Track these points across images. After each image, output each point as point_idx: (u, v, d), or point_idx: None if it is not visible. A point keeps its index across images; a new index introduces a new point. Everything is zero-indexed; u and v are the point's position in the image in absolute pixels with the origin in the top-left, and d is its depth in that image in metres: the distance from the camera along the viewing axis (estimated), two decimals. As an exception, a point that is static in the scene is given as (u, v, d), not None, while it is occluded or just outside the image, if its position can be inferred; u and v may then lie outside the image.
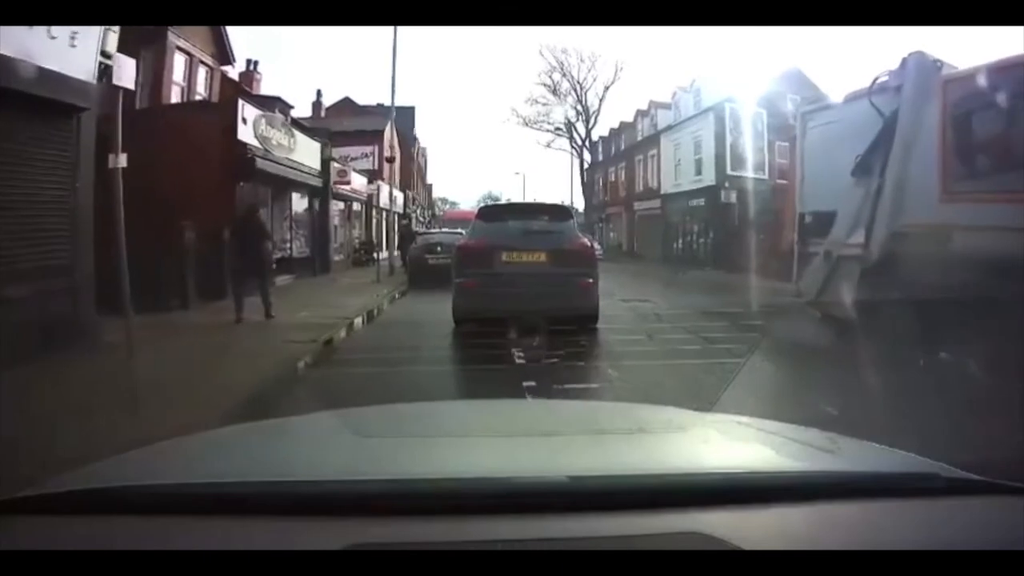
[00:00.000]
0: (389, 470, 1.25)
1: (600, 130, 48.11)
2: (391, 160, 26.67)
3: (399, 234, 25.26)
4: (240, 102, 14.32)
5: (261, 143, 14.84)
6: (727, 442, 1.59)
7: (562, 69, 44.91)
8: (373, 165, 29.49)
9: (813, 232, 8.38)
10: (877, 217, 7.04)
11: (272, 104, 18.36)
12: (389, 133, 28.70)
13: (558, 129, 47.26)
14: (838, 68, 69.08)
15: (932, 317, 6.13)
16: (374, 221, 29.03)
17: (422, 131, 65.67)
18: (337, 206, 22.90)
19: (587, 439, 1.59)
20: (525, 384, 5.70)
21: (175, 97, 15.57)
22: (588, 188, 49.09)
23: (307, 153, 18.69)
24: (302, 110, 29.13)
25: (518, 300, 8.01)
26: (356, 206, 26.00)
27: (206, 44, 16.90)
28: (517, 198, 46.81)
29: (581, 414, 2.07)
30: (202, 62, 16.85)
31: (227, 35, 17.83)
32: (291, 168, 16.94)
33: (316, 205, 20.26)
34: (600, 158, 48.74)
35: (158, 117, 13.66)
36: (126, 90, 5.11)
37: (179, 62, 15.86)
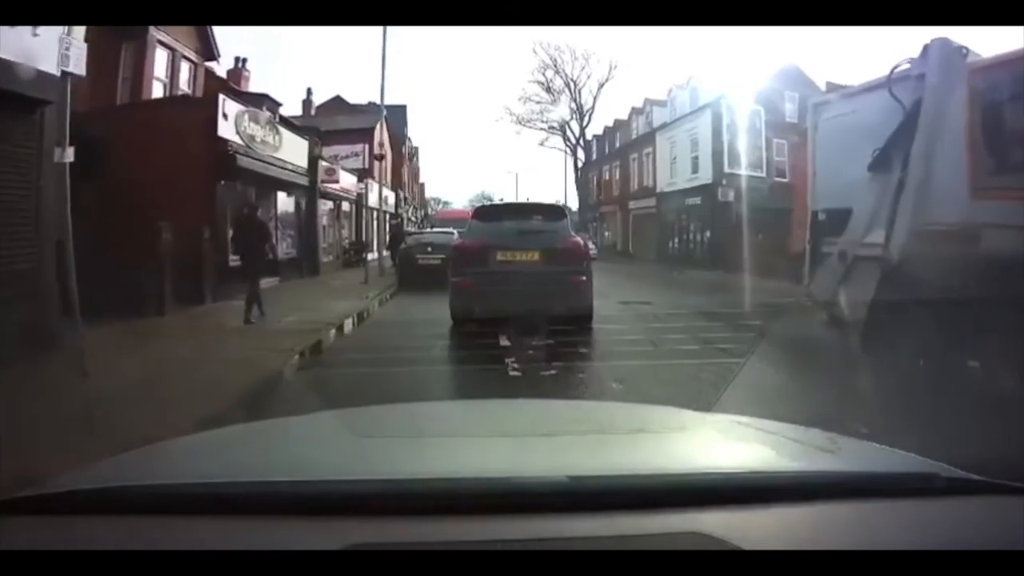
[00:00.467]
0: (388, 470, 1.24)
1: (594, 128, 48.01)
2: (380, 158, 26.26)
3: (390, 234, 24.89)
4: (221, 97, 13.85)
5: (244, 140, 14.37)
6: (727, 442, 1.58)
7: (556, 66, 44.81)
8: (363, 164, 28.97)
9: (827, 231, 7.92)
10: (898, 215, 6.59)
11: (259, 101, 17.87)
12: (379, 131, 28.26)
13: (552, 127, 47.09)
14: (836, 66, 69.21)
15: (958, 323, 5.73)
16: (364, 221, 28.56)
17: (415, 130, 65.24)
18: (326, 206, 22.40)
19: (587, 439, 1.56)
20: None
21: (157, 93, 15.15)
22: (582, 187, 48.83)
23: (294, 151, 18.17)
24: (292, 108, 28.77)
25: (513, 298, 8.10)
26: (346, 206, 25.42)
27: (189, 39, 16.40)
28: (510, 197, 46.90)
29: (581, 414, 2.04)
30: (185, 57, 16.39)
31: (211, 30, 17.30)
32: (276, 166, 16.45)
33: (303, 204, 19.73)
34: (594, 156, 48.43)
35: (136, 113, 13.22)
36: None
37: (161, 57, 15.46)
